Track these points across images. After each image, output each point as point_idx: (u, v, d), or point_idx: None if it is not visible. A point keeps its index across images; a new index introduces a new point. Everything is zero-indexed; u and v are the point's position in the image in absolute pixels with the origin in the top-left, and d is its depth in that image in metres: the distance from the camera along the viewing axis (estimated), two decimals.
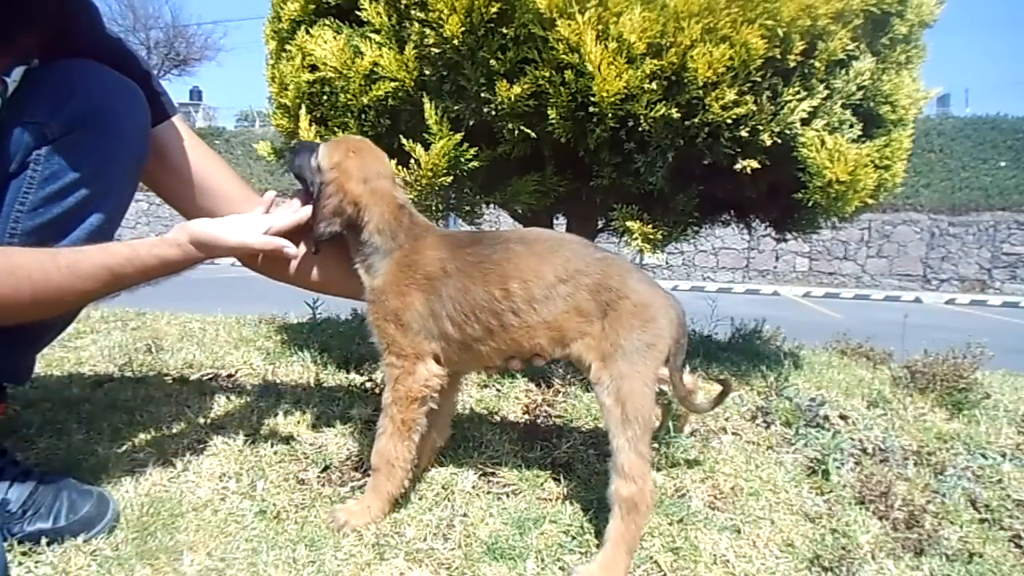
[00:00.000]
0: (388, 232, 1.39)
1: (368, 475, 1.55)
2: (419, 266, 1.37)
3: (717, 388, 1.56)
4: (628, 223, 1.92)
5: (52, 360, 2.24)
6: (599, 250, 1.38)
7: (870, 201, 2.02)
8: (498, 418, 1.88)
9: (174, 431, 1.72)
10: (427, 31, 1.78)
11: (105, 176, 1.31)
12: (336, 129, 2.01)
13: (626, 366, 1.28)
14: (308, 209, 1.46)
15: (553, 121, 1.78)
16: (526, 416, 1.90)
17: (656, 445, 1.65)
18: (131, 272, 1.26)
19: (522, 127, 1.83)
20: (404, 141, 1.91)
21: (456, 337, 1.36)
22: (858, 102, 1.96)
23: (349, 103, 1.96)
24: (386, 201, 1.40)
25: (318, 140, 1.81)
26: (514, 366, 1.45)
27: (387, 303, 1.37)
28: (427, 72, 1.87)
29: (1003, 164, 16.32)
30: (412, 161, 1.88)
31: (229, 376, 2.17)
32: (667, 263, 16.31)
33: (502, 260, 1.35)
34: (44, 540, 1.24)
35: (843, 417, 1.99)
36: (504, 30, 1.74)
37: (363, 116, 1.98)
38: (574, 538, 1.36)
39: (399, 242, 1.39)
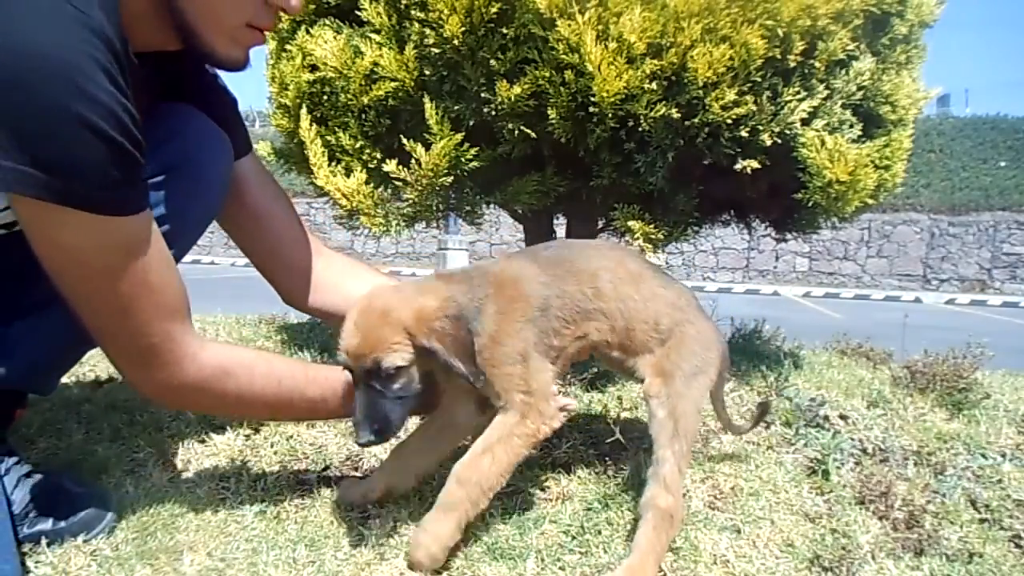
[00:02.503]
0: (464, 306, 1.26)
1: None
2: (520, 296, 1.28)
3: None
4: (629, 223, 1.92)
5: None
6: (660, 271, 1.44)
7: (870, 201, 2.02)
8: None
9: (174, 431, 1.72)
10: (427, 31, 1.78)
11: (179, 222, 1.30)
12: (336, 129, 2.02)
13: (683, 387, 1.34)
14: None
15: (553, 121, 1.78)
16: None
17: None
18: (303, 411, 1.43)
19: (522, 127, 1.83)
20: (404, 141, 1.91)
21: (556, 346, 1.33)
22: (858, 102, 1.96)
23: (349, 103, 1.96)
24: (426, 322, 1.22)
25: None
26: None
27: (503, 348, 1.25)
28: (427, 72, 1.87)
29: (1003, 164, 16.33)
30: (412, 161, 1.89)
31: None
32: (667, 263, 16.32)
33: (579, 258, 1.37)
34: (44, 540, 1.24)
35: (843, 417, 1.99)
36: (504, 30, 1.75)
37: (363, 116, 1.98)
38: (574, 538, 1.36)
39: (480, 294, 1.27)
